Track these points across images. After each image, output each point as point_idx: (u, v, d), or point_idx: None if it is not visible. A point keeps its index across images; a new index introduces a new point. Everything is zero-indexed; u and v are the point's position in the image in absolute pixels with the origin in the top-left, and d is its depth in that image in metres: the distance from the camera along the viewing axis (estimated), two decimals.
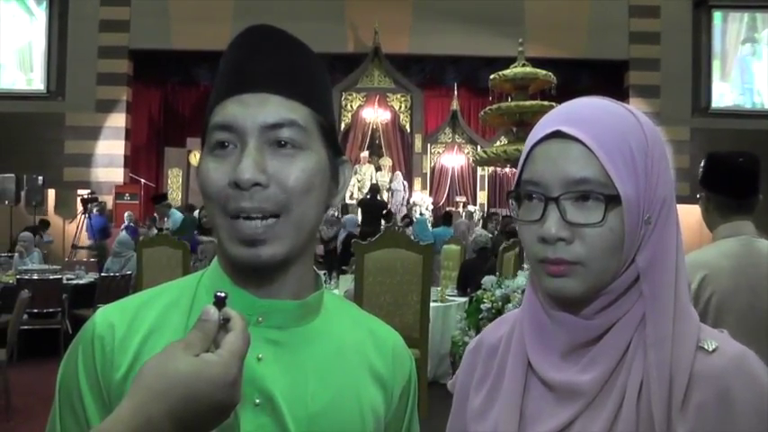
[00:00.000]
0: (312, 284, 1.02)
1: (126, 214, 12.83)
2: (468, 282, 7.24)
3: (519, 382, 0.99)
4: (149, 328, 0.96)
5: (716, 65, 16.26)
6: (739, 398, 0.87)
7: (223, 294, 0.81)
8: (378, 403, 1.01)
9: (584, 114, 0.94)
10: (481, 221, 13.47)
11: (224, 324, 0.79)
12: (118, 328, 0.95)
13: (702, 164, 2.57)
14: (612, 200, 0.89)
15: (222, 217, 0.92)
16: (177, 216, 10.99)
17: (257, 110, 0.91)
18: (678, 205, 0.98)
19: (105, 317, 0.97)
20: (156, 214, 12.26)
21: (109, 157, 15.66)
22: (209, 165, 0.93)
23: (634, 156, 0.91)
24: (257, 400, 0.91)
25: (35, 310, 7.55)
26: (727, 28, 16.35)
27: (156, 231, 10.78)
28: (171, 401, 0.72)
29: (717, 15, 16.28)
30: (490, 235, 9.17)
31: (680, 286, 0.94)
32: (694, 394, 0.88)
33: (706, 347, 0.91)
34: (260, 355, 0.92)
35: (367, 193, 13.72)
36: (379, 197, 13.67)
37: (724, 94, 16.25)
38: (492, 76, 5.63)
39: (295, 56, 0.97)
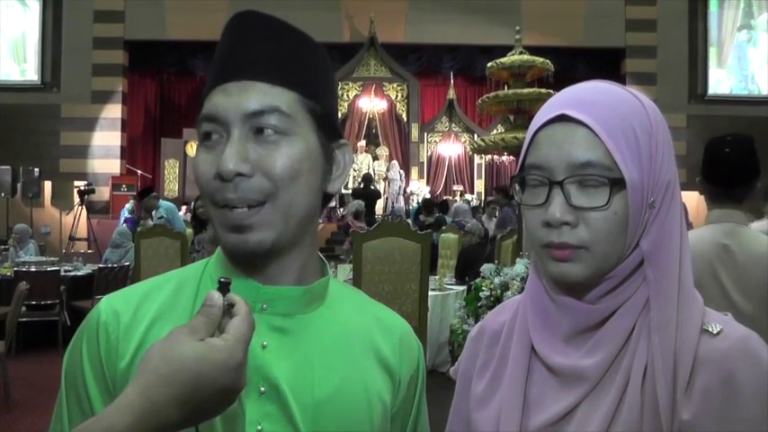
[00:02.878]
0: (317, 271, 1.02)
1: (126, 206, 12.76)
2: (466, 270, 7.25)
3: (523, 367, 0.99)
4: (154, 316, 0.96)
5: (712, 52, 16.25)
6: (743, 380, 0.87)
7: (227, 280, 0.81)
8: (384, 390, 1.01)
9: (589, 98, 0.93)
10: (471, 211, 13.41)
11: (228, 309, 0.79)
12: (123, 317, 0.95)
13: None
14: (617, 183, 0.89)
15: (212, 207, 0.92)
16: (167, 204, 10.94)
17: (239, 98, 0.90)
18: None
19: (110, 305, 0.97)
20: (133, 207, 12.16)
21: (105, 148, 15.62)
22: (200, 156, 0.93)
23: (638, 139, 0.91)
24: (262, 388, 0.91)
25: (33, 302, 7.53)
26: (724, 15, 16.33)
27: (152, 222, 10.72)
28: (176, 386, 0.72)
29: (713, 2, 16.26)
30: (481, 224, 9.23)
31: (684, 270, 0.93)
32: (699, 377, 0.88)
33: (710, 330, 0.91)
34: (264, 343, 0.92)
35: (360, 183, 13.73)
36: (372, 186, 13.67)
37: (720, 81, 16.25)
38: (489, 65, 5.59)
39: (281, 41, 0.95)
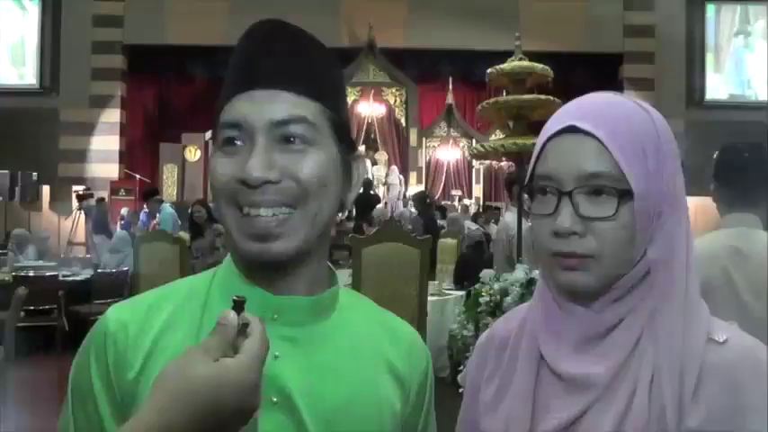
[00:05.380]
0: (327, 280, 1.02)
1: (123, 211, 12.77)
2: (465, 275, 7.25)
3: (531, 375, 1.00)
4: (162, 327, 0.95)
5: (709, 57, 16.27)
6: (750, 390, 0.88)
7: (241, 298, 0.79)
8: (395, 400, 1.00)
9: (598, 109, 0.95)
10: (471, 215, 13.37)
11: (243, 328, 0.78)
12: (131, 327, 0.95)
13: (716, 155, 2.57)
14: (625, 194, 0.91)
15: (233, 211, 0.91)
16: (167, 211, 10.99)
17: (266, 107, 0.90)
18: None
19: (118, 315, 0.96)
20: (146, 209, 12.13)
21: (104, 152, 15.58)
22: (219, 160, 0.92)
23: (645, 151, 0.92)
24: (275, 399, 0.91)
25: (31, 307, 7.51)
26: (720, 20, 16.36)
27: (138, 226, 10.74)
28: (191, 406, 0.72)
29: (710, 8, 16.27)
30: (481, 229, 9.27)
31: (690, 279, 0.95)
32: (705, 386, 0.89)
33: (717, 339, 0.92)
34: (276, 353, 0.91)
35: (363, 188, 13.79)
36: (372, 191, 13.71)
37: (718, 87, 16.26)
38: (489, 71, 5.58)
39: (305, 51, 0.95)
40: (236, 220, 0.91)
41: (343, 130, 0.97)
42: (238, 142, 0.91)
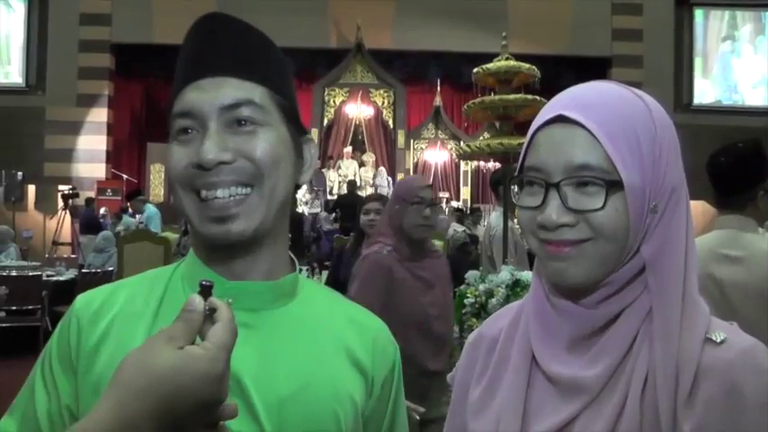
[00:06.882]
0: (286, 267, 1.03)
1: (101, 210, 12.73)
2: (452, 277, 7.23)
3: (523, 375, 0.96)
4: (118, 311, 0.98)
5: (698, 62, 16.36)
6: (748, 391, 0.84)
7: (209, 283, 0.76)
8: (356, 391, 1.00)
9: (589, 99, 0.92)
10: (455, 217, 13.31)
11: (210, 314, 0.75)
12: (90, 309, 0.98)
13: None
14: (614, 185, 0.87)
15: (190, 197, 0.94)
16: (151, 210, 10.98)
17: (214, 93, 0.93)
18: None
19: (83, 297, 1.01)
20: (131, 209, 12.08)
21: (90, 152, 15.51)
22: (174, 150, 0.95)
23: (640, 142, 0.89)
24: None
25: (13, 308, 7.44)
26: (709, 25, 16.45)
27: (121, 227, 10.66)
28: (153, 399, 0.67)
29: (698, 13, 16.38)
30: (467, 231, 9.27)
31: (689, 277, 0.91)
32: (702, 387, 0.86)
33: (714, 339, 0.88)
34: None
35: (348, 189, 13.83)
36: (357, 192, 13.73)
37: (705, 91, 16.35)
38: (475, 70, 5.55)
39: (248, 39, 0.99)
40: (194, 206, 0.93)
41: (291, 113, 1.00)
42: (191, 131, 0.94)
